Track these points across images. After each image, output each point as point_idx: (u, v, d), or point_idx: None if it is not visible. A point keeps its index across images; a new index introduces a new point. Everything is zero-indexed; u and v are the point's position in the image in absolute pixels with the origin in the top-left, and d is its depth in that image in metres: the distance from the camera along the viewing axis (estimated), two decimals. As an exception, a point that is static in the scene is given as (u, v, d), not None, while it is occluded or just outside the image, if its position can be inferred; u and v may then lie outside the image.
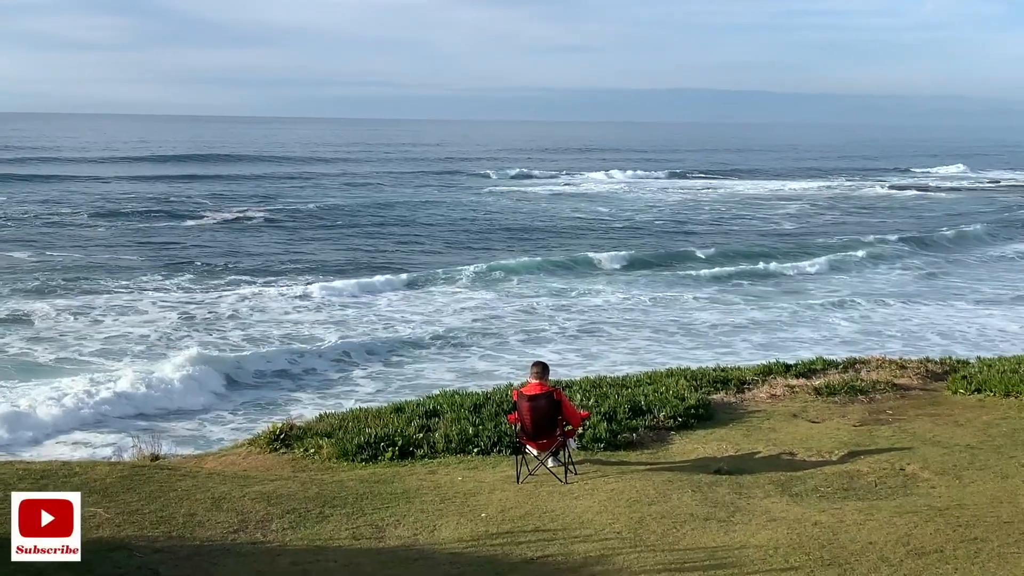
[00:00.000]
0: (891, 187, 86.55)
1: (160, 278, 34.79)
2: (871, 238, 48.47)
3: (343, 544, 9.37)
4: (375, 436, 12.73)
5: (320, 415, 14.56)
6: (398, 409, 14.17)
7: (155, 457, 12.90)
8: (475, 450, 12.57)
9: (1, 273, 34.63)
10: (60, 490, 10.10)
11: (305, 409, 18.79)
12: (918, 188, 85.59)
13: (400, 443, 12.62)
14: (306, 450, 12.72)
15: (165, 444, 14.23)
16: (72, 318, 27.52)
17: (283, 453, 12.79)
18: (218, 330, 27.22)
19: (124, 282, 33.62)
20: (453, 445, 12.62)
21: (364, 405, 15.98)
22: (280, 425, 13.55)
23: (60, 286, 32.44)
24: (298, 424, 13.74)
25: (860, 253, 44.22)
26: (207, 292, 32.55)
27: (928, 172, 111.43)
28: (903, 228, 53.78)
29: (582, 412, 12.29)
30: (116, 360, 23.45)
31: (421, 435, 12.90)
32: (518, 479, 11.26)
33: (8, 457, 15.23)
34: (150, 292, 32.10)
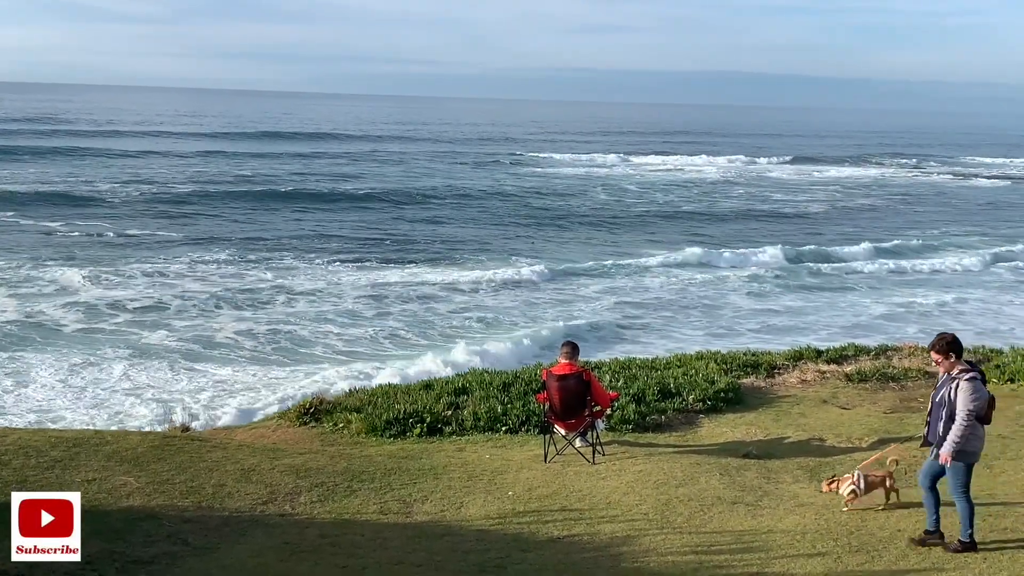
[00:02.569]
0: (982, 176, 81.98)
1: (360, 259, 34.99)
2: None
3: (371, 518, 9.44)
4: (404, 412, 12.79)
5: (349, 390, 14.64)
6: (427, 386, 14.21)
7: (185, 428, 13.04)
8: (503, 428, 12.60)
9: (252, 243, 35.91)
10: (91, 459, 10.28)
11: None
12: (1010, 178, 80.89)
13: (429, 420, 12.67)
14: (335, 424, 12.80)
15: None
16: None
17: (312, 427, 12.87)
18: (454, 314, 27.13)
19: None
20: (481, 423, 12.66)
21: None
22: (310, 399, 13.65)
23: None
24: (328, 399, 13.82)
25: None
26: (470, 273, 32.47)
27: (1009, 162, 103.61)
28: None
29: (611, 393, 12.29)
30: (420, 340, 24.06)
31: (450, 412, 12.94)
32: (546, 458, 11.27)
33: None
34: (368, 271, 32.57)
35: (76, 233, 37.94)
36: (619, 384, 13.78)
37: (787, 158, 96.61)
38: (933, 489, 8.72)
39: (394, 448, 11.97)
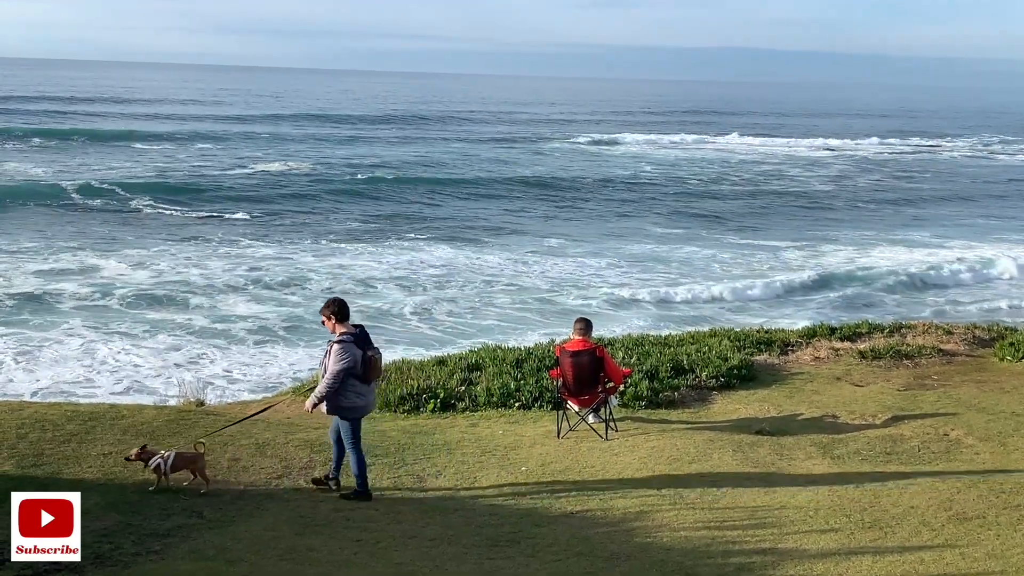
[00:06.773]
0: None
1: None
2: None
3: (385, 492, 9.49)
4: (417, 388, 12.82)
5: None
6: (440, 362, 14.24)
7: (200, 403, 13.10)
8: (516, 404, 12.62)
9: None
10: (107, 432, 10.36)
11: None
12: None
13: (442, 395, 12.71)
14: (349, 400, 12.81)
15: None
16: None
17: (326, 402, 12.88)
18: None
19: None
20: (494, 399, 12.68)
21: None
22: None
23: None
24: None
25: None
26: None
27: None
28: None
29: (624, 369, 12.30)
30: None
31: (463, 388, 12.97)
32: (559, 434, 11.31)
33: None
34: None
35: (96, 209, 37.93)
36: (632, 360, 13.78)
37: (874, 138, 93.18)
38: (337, 443, 9.52)
39: (408, 424, 12.01)
